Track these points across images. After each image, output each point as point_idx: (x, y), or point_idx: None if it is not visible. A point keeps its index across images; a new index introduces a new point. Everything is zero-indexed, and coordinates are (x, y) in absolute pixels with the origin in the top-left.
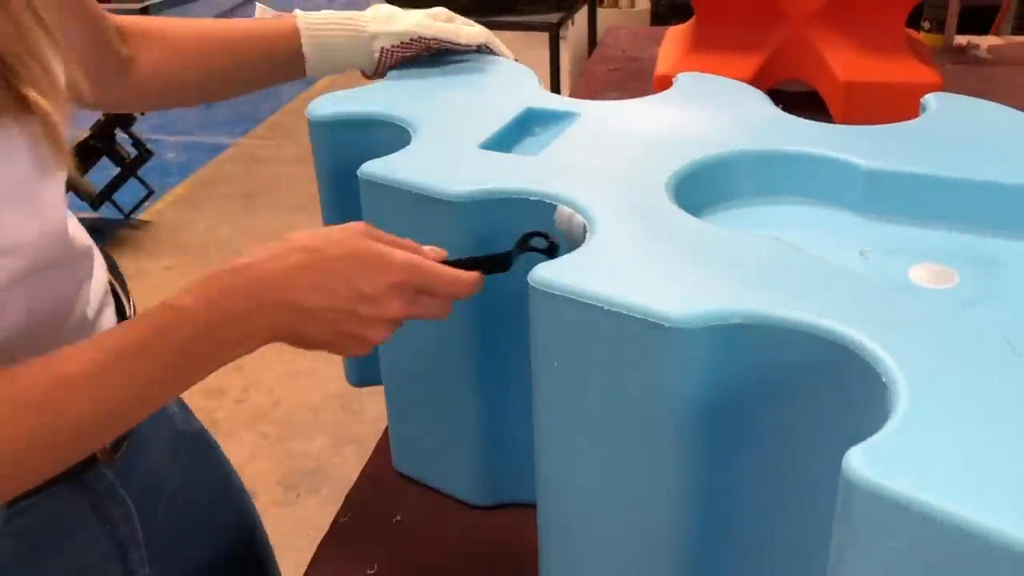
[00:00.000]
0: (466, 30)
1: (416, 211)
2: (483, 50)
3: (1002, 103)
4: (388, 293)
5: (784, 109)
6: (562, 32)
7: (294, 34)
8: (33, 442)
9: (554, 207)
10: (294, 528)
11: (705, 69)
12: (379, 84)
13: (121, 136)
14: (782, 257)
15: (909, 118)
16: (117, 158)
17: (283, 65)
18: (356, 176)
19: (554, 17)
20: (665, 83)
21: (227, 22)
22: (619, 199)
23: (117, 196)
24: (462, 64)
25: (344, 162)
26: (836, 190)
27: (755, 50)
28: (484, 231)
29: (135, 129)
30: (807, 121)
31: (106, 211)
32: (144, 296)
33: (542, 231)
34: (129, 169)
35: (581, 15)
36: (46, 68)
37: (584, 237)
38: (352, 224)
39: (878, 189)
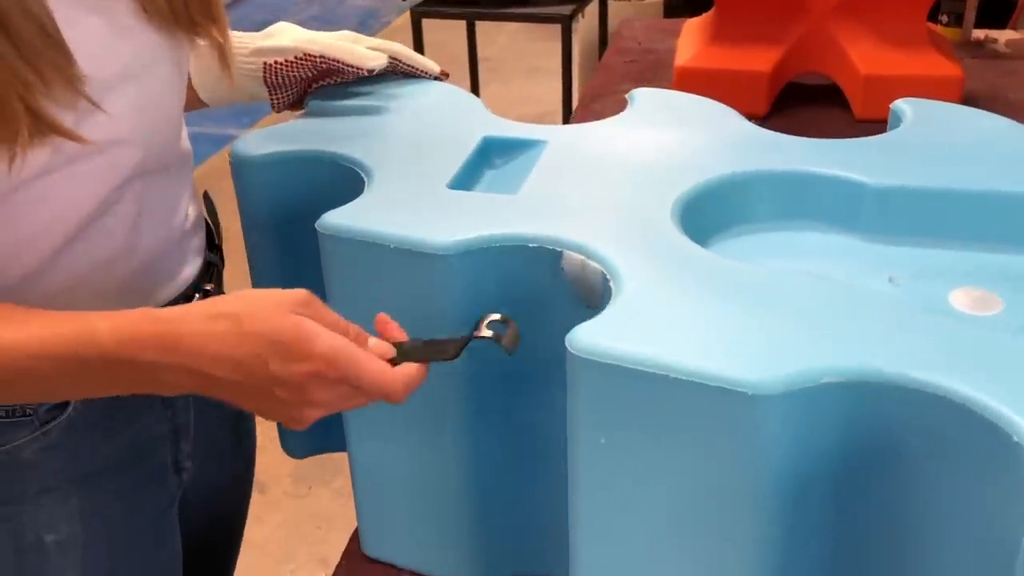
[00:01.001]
0: (360, 51)
1: (394, 268)
2: (399, 69)
3: (1022, 98)
4: (306, 381)
5: (804, 103)
6: (573, 25)
7: None
8: None
9: (557, 253)
10: (307, 519)
11: (725, 62)
12: (306, 118)
13: None
14: (839, 297)
15: None
16: None
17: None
18: (294, 224)
19: (567, 9)
20: (686, 75)
21: None
22: (630, 238)
23: None
24: (394, 91)
25: (280, 208)
26: (846, 211)
27: (775, 43)
28: (477, 286)
29: None
30: (790, 137)
31: None
32: None
33: (501, 315)
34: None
35: (591, 8)
36: None
37: (603, 286)
38: (292, 293)
39: (889, 208)
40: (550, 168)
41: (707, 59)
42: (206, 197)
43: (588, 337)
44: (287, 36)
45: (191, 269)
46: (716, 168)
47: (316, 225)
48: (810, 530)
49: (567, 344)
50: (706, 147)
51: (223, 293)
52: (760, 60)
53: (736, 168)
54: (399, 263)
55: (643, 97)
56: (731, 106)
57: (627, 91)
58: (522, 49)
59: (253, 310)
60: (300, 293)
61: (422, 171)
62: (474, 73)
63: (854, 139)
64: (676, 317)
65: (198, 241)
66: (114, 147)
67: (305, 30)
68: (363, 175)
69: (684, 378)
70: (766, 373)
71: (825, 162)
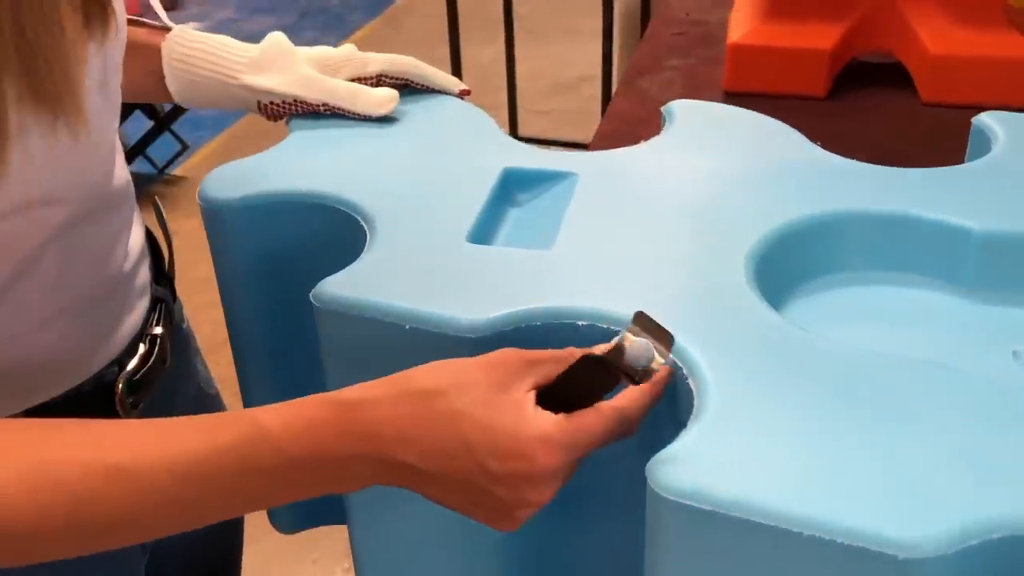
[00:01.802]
0: (366, 96)
1: (410, 351)
2: (411, 84)
3: None
4: (526, 480)
5: (867, 84)
6: None
7: (158, 55)
8: (46, 520)
9: (612, 332)
10: None
11: (783, 39)
12: (291, 146)
13: None
14: (993, 402)
15: (1006, 99)
16: (150, 112)
17: (154, 85)
18: (280, 277)
19: None
20: (740, 53)
21: None
22: (704, 314)
23: (150, 150)
24: (396, 110)
25: (263, 259)
26: (948, 261)
27: (837, 18)
28: None
29: None
30: (865, 165)
31: (139, 165)
32: (176, 254)
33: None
34: (162, 123)
35: None
36: None
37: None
38: (501, 356)
39: (1001, 258)
40: (586, 211)
41: (763, 35)
42: (156, 209)
43: (676, 472)
44: (279, 74)
45: (135, 317)
46: (792, 208)
47: (311, 296)
48: None
49: (648, 478)
50: (773, 179)
51: (178, 331)
52: (821, 37)
53: (816, 208)
54: (416, 345)
55: (684, 113)
56: (789, 86)
57: (675, 66)
58: (560, 7)
59: (459, 381)
60: (509, 355)
61: (435, 218)
62: (509, 33)
63: (948, 168)
64: (785, 440)
65: (142, 279)
66: (28, 210)
67: (300, 56)
68: (363, 223)
69: (808, 533)
70: (919, 527)
71: (918, 200)
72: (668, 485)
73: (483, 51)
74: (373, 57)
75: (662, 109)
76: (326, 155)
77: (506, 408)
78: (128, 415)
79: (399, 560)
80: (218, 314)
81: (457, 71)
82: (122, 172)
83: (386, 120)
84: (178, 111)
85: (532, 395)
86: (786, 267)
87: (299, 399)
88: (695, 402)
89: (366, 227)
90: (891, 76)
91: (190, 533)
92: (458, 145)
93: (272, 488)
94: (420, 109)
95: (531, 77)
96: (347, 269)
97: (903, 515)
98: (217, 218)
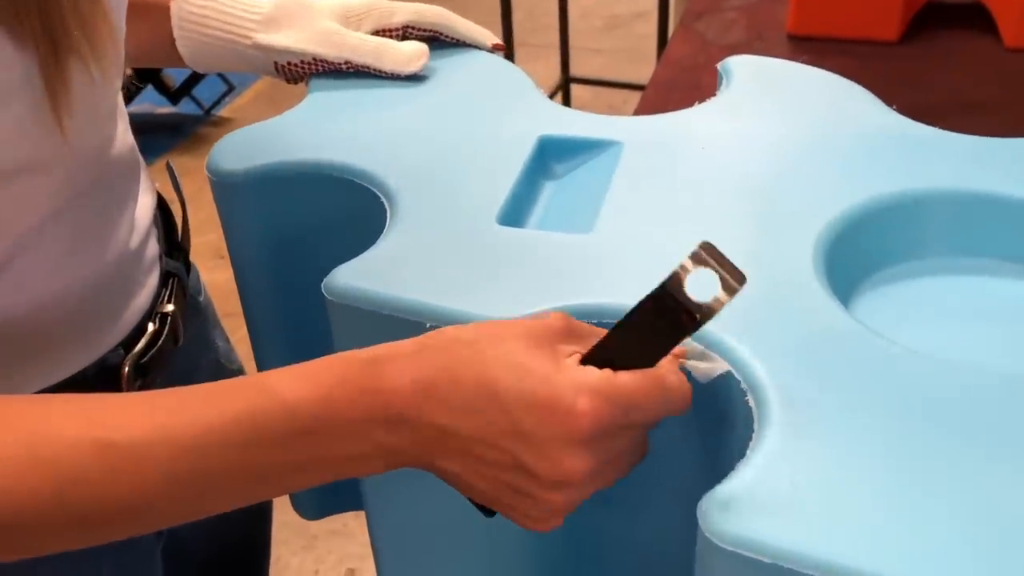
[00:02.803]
0: (393, 52)
1: None
2: (439, 37)
3: None
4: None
5: (944, 27)
6: None
7: (167, 16)
8: (35, 504)
9: None
10: None
11: None
12: (307, 111)
13: None
14: None
15: None
16: (162, 87)
17: (165, 49)
18: (293, 249)
19: None
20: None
21: None
22: (767, 318)
23: (196, 91)
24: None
25: (275, 231)
26: None
27: None
28: None
29: None
30: (947, 134)
31: (185, 106)
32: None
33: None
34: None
35: None
36: None
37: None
38: (545, 318)
39: None
40: (631, 187)
41: None
42: (170, 173)
43: (731, 516)
44: (296, 30)
45: (143, 295)
46: (866, 186)
47: (323, 287)
48: None
49: (700, 521)
50: (844, 152)
51: (193, 305)
52: None
53: (893, 186)
54: None
55: (741, 70)
56: (859, 30)
57: (736, 7)
58: None
59: (496, 334)
60: (556, 319)
61: (462, 195)
62: None
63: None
64: (858, 480)
65: (151, 254)
66: (23, 176)
67: (319, 7)
68: (383, 199)
69: None
70: None
71: (1013, 175)
72: (723, 532)
73: None
74: (399, 6)
75: (718, 66)
76: (345, 120)
77: (544, 359)
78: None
79: (417, 545)
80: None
81: (507, 9)
82: (125, 138)
83: (412, 79)
84: None
85: (576, 357)
86: (859, 255)
87: (313, 360)
88: (755, 426)
89: (386, 203)
90: (971, 18)
91: (210, 519)
92: (490, 109)
93: (284, 464)
94: (448, 66)
95: (582, 15)
96: (362, 256)
97: None
98: (227, 190)
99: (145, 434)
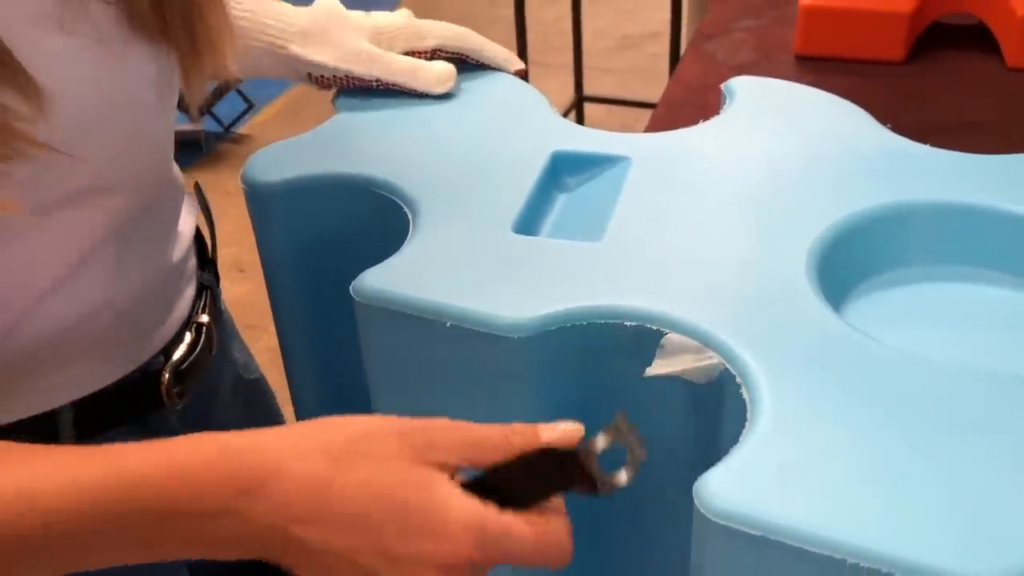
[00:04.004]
0: (425, 72)
1: (451, 347)
2: (466, 59)
3: None
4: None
5: (948, 47)
6: None
7: None
8: None
9: (660, 332)
10: None
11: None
12: (334, 127)
13: None
14: None
15: None
16: None
17: None
18: (324, 258)
19: None
20: (813, 15)
21: None
22: (762, 319)
23: (216, 109)
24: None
25: (306, 241)
26: (1017, 255)
27: None
28: (555, 370)
29: None
30: (935, 151)
31: (206, 124)
32: (244, 215)
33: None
34: (228, 82)
35: None
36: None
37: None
38: (428, 424)
39: None
40: (639, 199)
41: None
42: (198, 191)
43: (724, 493)
44: (332, 47)
45: (182, 305)
46: (858, 198)
47: (351, 290)
48: None
49: (695, 498)
50: (839, 167)
51: (220, 317)
52: None
53: (884, 197)
54: (457, 342)
55: (745, 91)
56: (865, 50)
57: (745, 28)
58: None
59: (368, 446)
60: (439, 425)
61: (479, 206)
62: None
63: (1014, 156)
64: (843, 461)
65: (190, 266)
66: (93, 197)
67: (353, 25)
68: (406, 209)
69: (864, 564)
70: (983, 562)
71: (989, 188)
72: (716, 507)
73: (547, 9)
74: (428, 28)
75: (722, 86)
76: (371, 136)
77: (425, 481)
78: (174, 405)
79: None
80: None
81: (521, 29)
82: (175, 170)
83: (436, 98)
84: None
85: (457, 478)
86: (850, 262)
87: (181, 438)
88: (748, 415)
89: (409, 213)
90: (974, 39)
91: None
92: (507, 126)
93: (125, 539)
94: (469, 85)
95: (596, 35)
96: (386, 262)
97: (967, 548)
98: (260, 201)
99: (17, 487)
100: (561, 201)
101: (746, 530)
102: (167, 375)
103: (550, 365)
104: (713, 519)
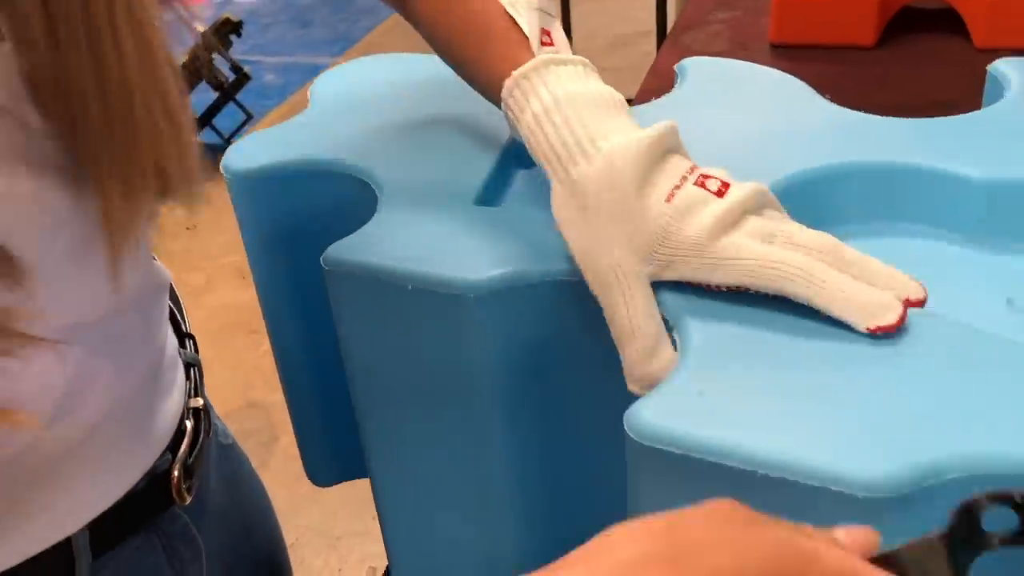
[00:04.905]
0: (864, 299)
1: (415, 309)
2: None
3: None
4: None
5: (918, 31)
6: None
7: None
8: None
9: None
10: None
11: None
12: (311, 116)
13: (219, 60)
14: (948, 344)
15: None
16: (215, 82)
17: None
18: (303, 241)
19: None
20: (785, 4)
21: None
22: None
23: (216, 121)
24: (418, 78)
25: (285, 225)
26: (949, 211)
27: None
28: (511, 328)
29: (232, 53)
30: (875, 117)
31: (205, 136)
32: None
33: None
34: (227, 93)
35: None
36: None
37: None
38: (722, 506)
39: (1003, 206)
40: None
41: None
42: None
43: (648, 419)
44: (584, 231)
45: (178, 391)
46: (795, 162)
47: (321, 260)
48: None
49: (625, 424)
50: (780, 134)
51: (205, 398)
52: None
53: (820, 161)
54: (420, 304)
55: (697, 70)
56: (837, 36)
57: (721, 20)
58: None
59: (691, 542)
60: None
61: (443, 182)
62: None
63: (955, 117)
64: (759, 387)
65: (172, 346)
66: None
67: (643, 213)
68: (375, 188)
69: (775, 475)
70: (880, 467)
71: (920, 149)
72: (641, 431)
73: None
74: (723, 258)
75: (675, 67)
76: (344, 122)
77: (776, 540)
78: (184, 503)
79: (418, 506)
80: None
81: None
82: (158, 273)
83: (408, 87)
84: (242, 81)
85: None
86: None
87: None
88: (678, 354)
89: (377, 192)
90: (943, 22)
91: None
92: (474, 109)
93: None
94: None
95: (589, 35)
96: (355, 233)
97: (867, 457)
98: (240, 188)
99: None
100: (521, 176)
101: (668, 449)
102: (177, 473)
103: (506, 324)
104: (639, 441)
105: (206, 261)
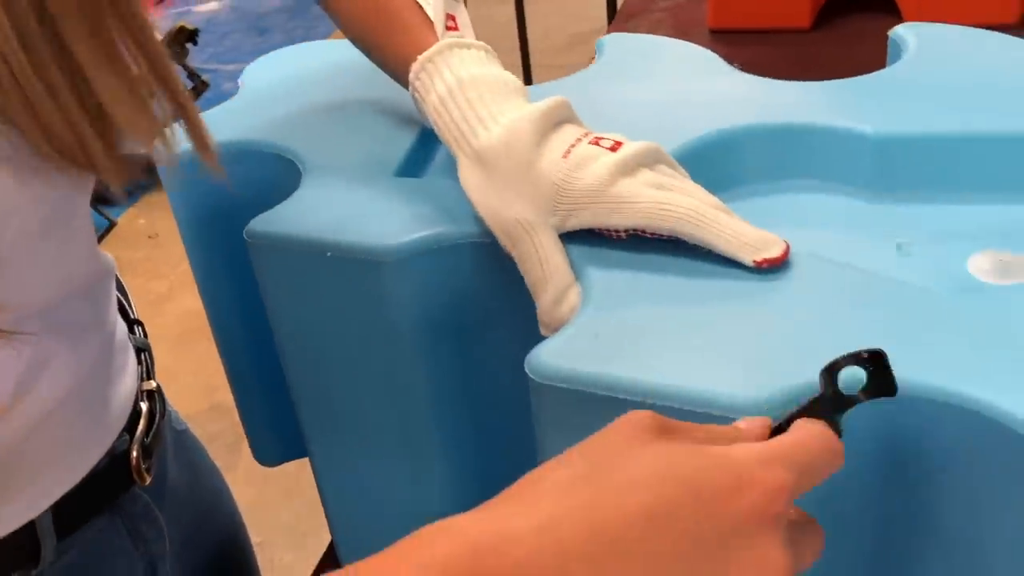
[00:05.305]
0: (751, 237)
1: (335, 277)
2: None
3: None
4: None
5: (853, 12)
6: None
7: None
8: None
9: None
10: None
11: None
12: (241, 100)
13: (175, 67)
14: (828, 282)
15: (991, 18)
16: None
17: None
18: (236, 222)
19: None
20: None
21: None
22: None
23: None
24: (346, 64)
25: (218, 206)
26: (845, 166)
27: None
28: (428, 291)
29: (192, 61)
30: (780, 82)
31: None
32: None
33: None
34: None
35: None
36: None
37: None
38: (630, 421)
39: (895, 160)
40: None
41: None
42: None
43: (547, 360)
44: (489, 187)
45: (130, 375)
46: (700, 127)
47: (244, 233)
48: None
49: (526, 367)
50: (687, 102)
51: (157, 381)
52: None
53: (721, 124)
54: (340, 271)
55: (614, 45)
56: (773, 20)
57: (664, 8)
58: None
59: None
60: (640, 417)
61: (364, 156)
62: None
63: (852, 79)
64: (651, 326)
65: (122, 330)
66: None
67: (538, 171)
68: (298, 165)
69: (661, 404)
70: (756, 394)
71: (817, 109)
72: (540, 371)
73: (499, 10)
74: (624, 202)
75: (596, 43)
76: (272, 107)
77: (685, 444)
78: (144, 483)
79: (352, 470)
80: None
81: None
82: (102, 261)
83: (335, 71)
84: (200, 89)
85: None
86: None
87: (409, 540)
88: (581, 304)
89: (300, 168)
90: (876, 2)
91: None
92: (395, 89)
93: None
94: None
95: (546, 35)
96: (277, 207)
97: (745, 382)
98: (171, 172)
99: None
100: (443, 152)
101: (563, 386)
102: (136, 453)
103: (425, 286)
104: (537, 380)
105: (167, 269)
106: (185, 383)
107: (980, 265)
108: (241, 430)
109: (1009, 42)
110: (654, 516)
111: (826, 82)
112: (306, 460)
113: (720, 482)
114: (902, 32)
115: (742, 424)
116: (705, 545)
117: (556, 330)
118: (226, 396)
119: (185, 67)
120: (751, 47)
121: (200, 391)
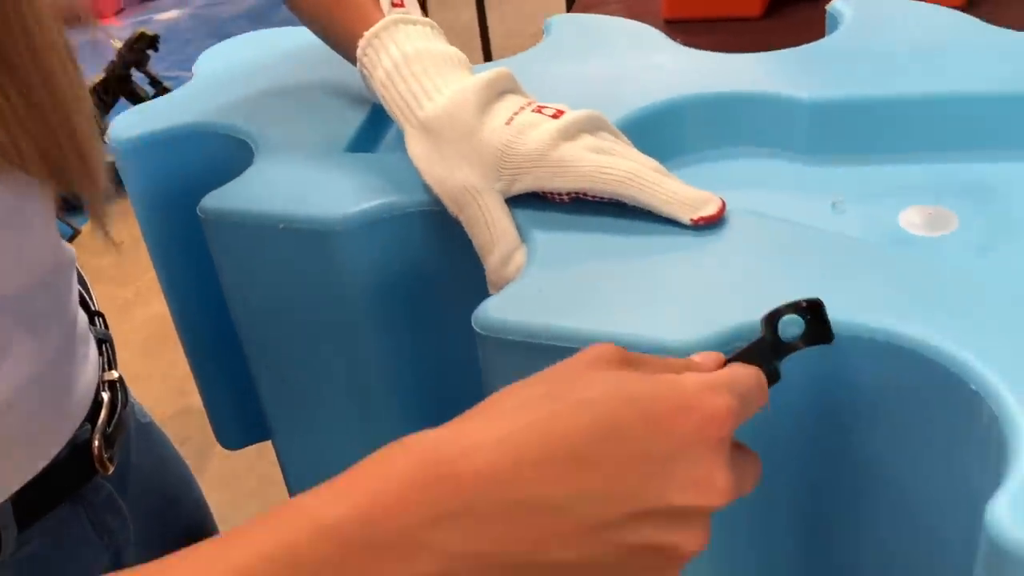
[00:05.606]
0: (683, 196)
1: (286, 249)
2: None
3: None
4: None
5: (797, 4)
6: None
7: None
8: None
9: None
10: None
11: None
12: (194, 86)
13: (137, 75)
14: (767, 234)
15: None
16: (135, 98)
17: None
18: (190, 205)
19: None
20: None
21: None
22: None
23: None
24: (294, 46)
25: (172, 190)
26: (782, 131)
27: None
28: (378, 260)
29: (151, 67)
30: (720, 55)
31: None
32: None
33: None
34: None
35: None
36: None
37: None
38: (594, 350)
39: (828, 123)
40: None
41: None
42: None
43: (494, 314)
44: (438, 158)
45: (91, 365)
46: (640, 99)
47: (197, 210)
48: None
49: (473, 322)
50: (629, 77)
51: (119, 372)
52: None
53: (663, 96)
54: (293, 243)
55: (561, 25)
56: (725, 9)
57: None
58: None
59: (582, 383)
60: (604, 349)
61: (316, 134)
62: None
63: (789, 49)
64: (590, 281)
65: (83, 321)
66: None
67: (480, 138)
68: (251, 144)
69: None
70: (689, 335)
71: (756, 79)
72: (486, 325)
73: (462, 14)
74: (566, 166)
75: (543, 24)
76: (225, 91)
77: (638, 373)
78: (107, 472)
79: (309, 435)
80: None
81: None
82: (63, 252)
83: (285, 55)
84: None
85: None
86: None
87: (356, 466)
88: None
89: (253, 148)
90: None
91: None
92: (346, 71)
93: None
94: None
95: (508, 35)
96: (228, 184)
97: (679, 325)
98: (127, 157)
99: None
100: (394, 129)
101: (508, 337)
102: (97, 442)
103: (375, 255)
104: (483, 333)
105: (134, 275)
106: (154, 387)
107: (911, 219)
108: (211, 433)
109: (938, 12)
110: (606, 431)
111: (762, 53)
112: (276, 466)
113: (669, 404)
114: (839, 6)
115: (696, 357)
116: (653, 461)
117: (503, 288)
118: (195, 400)
119: (147, 74)
120: (704, 36)
121: (168, 395)
